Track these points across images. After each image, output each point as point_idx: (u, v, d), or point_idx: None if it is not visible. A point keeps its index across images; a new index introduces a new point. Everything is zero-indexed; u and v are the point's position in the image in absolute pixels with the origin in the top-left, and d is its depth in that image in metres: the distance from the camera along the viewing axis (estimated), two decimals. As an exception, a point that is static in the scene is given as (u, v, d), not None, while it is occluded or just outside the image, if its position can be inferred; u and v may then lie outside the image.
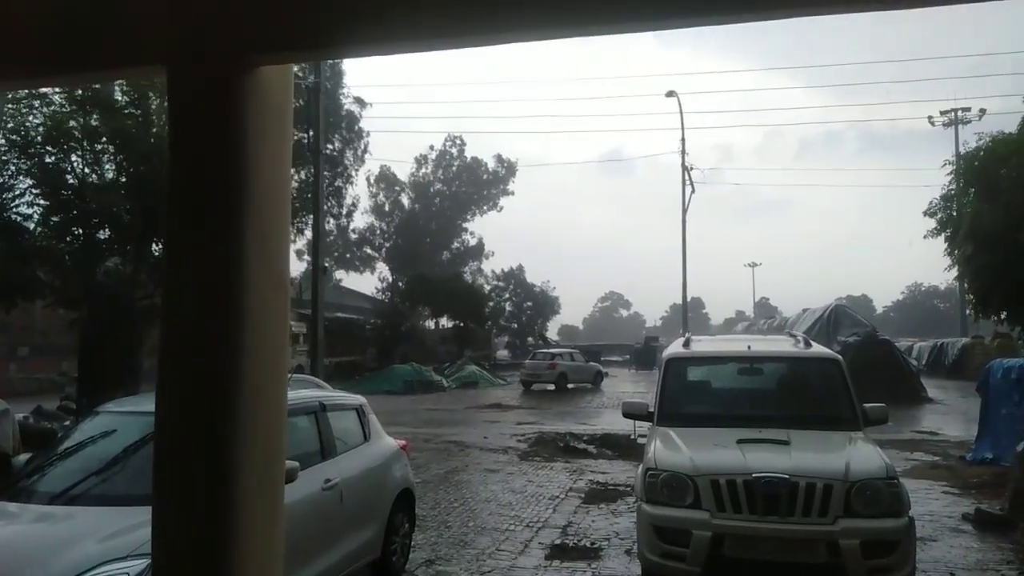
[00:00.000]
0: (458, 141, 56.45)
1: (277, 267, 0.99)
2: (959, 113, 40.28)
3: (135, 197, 12.92)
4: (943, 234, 12.49)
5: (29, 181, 13.47)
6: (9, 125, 12.99)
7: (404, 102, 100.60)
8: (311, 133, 18.49)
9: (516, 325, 53.12)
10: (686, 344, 7.70)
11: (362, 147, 41.70)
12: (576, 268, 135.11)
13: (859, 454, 5.76)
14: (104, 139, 13.22)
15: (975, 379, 14.56)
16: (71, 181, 13.50)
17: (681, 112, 35.92)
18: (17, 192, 13.55)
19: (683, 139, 35.59)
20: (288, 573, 4.60)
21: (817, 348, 7.51)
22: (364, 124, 41.02)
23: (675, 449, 6.04)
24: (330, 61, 25.82)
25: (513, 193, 56.75)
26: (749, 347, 7.61)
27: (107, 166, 13.79)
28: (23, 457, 6.05)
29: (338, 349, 32.90)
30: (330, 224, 38.02)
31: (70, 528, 4.14)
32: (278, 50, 0.93)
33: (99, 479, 4.61)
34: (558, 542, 7.65)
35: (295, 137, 18.69)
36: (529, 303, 53.10)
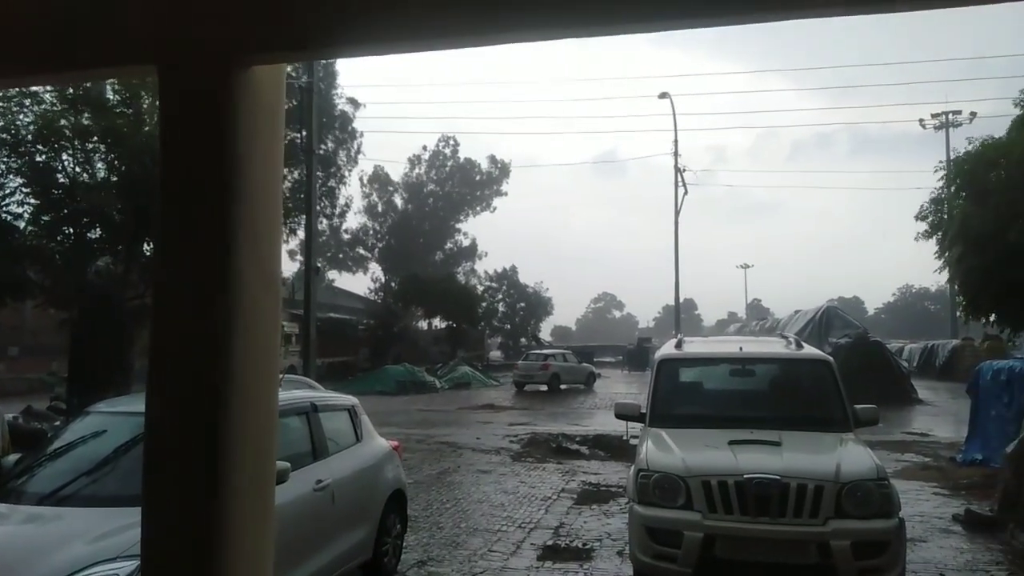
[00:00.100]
0: (451, 141, 56.51)
1: (269, 267, 0.99)
2: (950, 116, 40.49)
3: (126, 196, 12.87)
4: (934, 237, 12.56)
5: (20, 180, 13.40)
6: (-1, 123, 12.92)
7: (398, 102, 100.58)
8: (304, 133, 18.46)
9: (509, 326, 53.12)
10: (678, 345, 7.72)
11: (355, 147, 41.71)
12: (569, 269, 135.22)
13: (850, 455, 5.79)
14: (95, 138, 13.16)
15: (965, 381, 14.64)
16: (62, 180, 13.43)
17: (674, 113, 36.11)
18: (7, 191, 13.48)
19: (676, 140, 35.72)
20: (279, 574, 4.59)
21: (808, 349, 7.54)
22: (357, 124, 41.04)
23: (667, 450, 6.05)
24: (323, 61, 25.76)
25: (506, 194, 56.86)
26: (741, 348, 7.64)
27: (98, 165, 13.73)
28: (12, 457, 6.01)
29: (330, 349, 32.80)
30: (323, 224, 38.01)
31: (60, 529, 4.11)
32: (270, 50, 0.92)
33: (89, 480, 4.59)
34: (550, 543, 7.66)
35: (288, 137, 18.70)
36: (522, 304, 53.12)
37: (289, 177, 19.61)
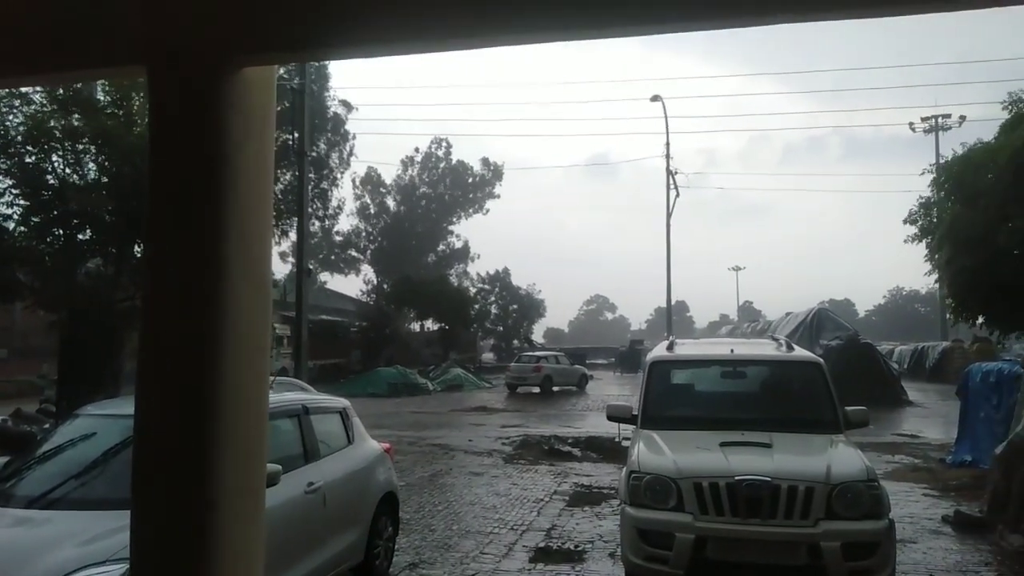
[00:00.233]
0: (444, 143, 56.50)
1: (259, 269, 0.99)
2: (939, 119, 40.76)
3: (117, 198, 12.79)
4: (923, 240, 12.64)
5: (9, 181, 13.30)
6: (-12, 124, 12.83)
7: (390, 104, 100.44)
8: (296, 135, 18.42)
9: (501, 328, 53.08)
10: (670, 347, 7.74)
11: (348, 149, 41.65)
12: (562, 271, 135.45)
13: (840, 457, 5.82)
14: (86, 139, 13.08)
15: (955, 382, 14.72)
16: (52, 181, 13.34)
17: (666, 116, 36.18)
18: (-3, 192, 13.39)
19: (668, 143, 35.86)
20: (270, 577, 4.58)
21: (799, 352, 7.57)
22: (350, 126, 40.98)
23: (658, 452, 6.07)
24: (315, 63, 25.73)
25: (499, 196, 56.87)
26: (732, 350, 7.66)
27: (89, 166, 13.64)
28: (1, 460, 5.97)
29: (322, 352, 32.71)
30: (315, 226, 37.90)
31: (49, 532, 4.09)
32: (261, 51, 0.92)
33: (78, 483, 4.57)
34: (542, 545, 7.66)
35: (280, 139, 18.65)
36: (515, 306, 53.09)
37: (281, 179, 19.57)
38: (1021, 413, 8.65)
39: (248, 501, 0.97)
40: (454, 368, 34.99)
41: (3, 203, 13.50)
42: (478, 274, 53.60)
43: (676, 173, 35.81)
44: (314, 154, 27.15)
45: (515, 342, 51.83)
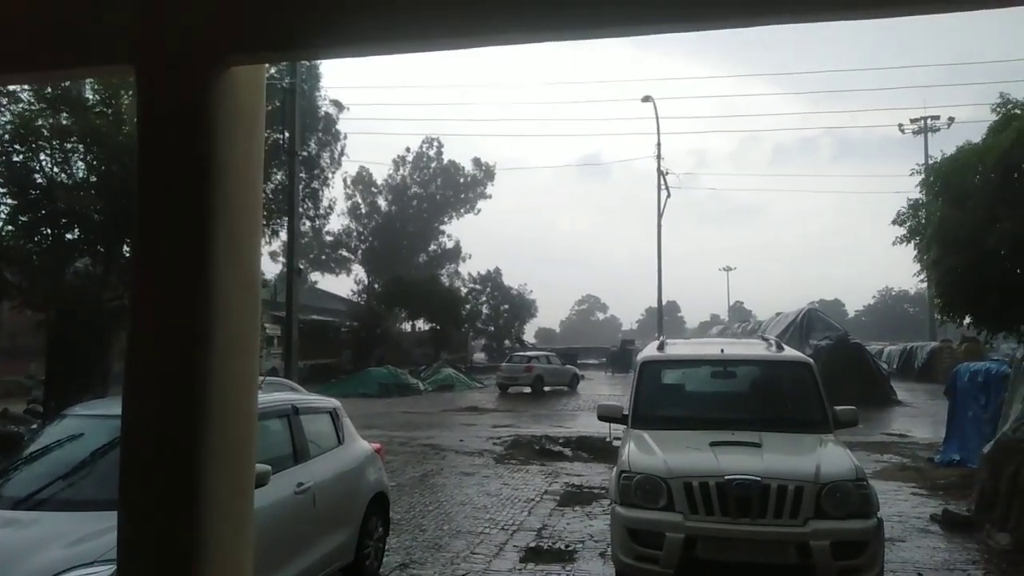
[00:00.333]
0: (435, 143, 56.44)
1: (248, 268, 0.99)
2: (928, 121, 41.03)
3: (106, 197, 12.72)
4: (912, 241, 12.71)
5: (-4, 180, 13.20)
6: (-25, 123, 12.73)
7: (381, 104, 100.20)
8: (287, 135, 18.36)
9: (493, 328, 53.07)
10: (660, 347, 7.75)
11: (339, 149, 41.53)
12: (553, 271, 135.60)
13: (829, 456, 5.84)
14: (74, 138, 13.00)
15: (943, 382, 14.84)
16: (40, 180, 13.25)
17: (657, 117, 36.27)
18: (-16, 191, 13.28)
19: (659, 144, 35.93)
20: (259, 578, 4.56)
21: (789, 352, 7.60)
22: (341, 126, 40.87)
23: (649, 452, 6.08)
24: (306, 63, 25.65)
25: (490, 196, 56.85)
26: (722, 350, 7.68)
27: (77, 165, 13.55)
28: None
29: (313, 352, 32.61)
30: (305, 226, 37.78)
31: (36, 533, 4.06)
32: (250, 50, 0.92)
33: (65, 483, 4.54)
34: (532, 545, 7.66)
35: (270, 139, 18.56)
36: (506, 306, 53.10)
37: (272, 179, 19.50)
38: (1009, 412, 8.71)
39: (237, 502, 0.96)
40: (445, 368, 34.96)
41: (-10, 202, 13.39)
42: (469, 274, 53.67)
43: (667, 174, 35.94)
44: (305, 154, 27.07)
45: (506, 342, 51.82)
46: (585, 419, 19.06)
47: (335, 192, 62.19)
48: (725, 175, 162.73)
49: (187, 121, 0.92)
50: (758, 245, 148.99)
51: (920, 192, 13.20)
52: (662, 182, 35.53)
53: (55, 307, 13.22)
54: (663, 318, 37.57)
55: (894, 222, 13.23)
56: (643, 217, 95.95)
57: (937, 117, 40.91)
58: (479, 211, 56.79)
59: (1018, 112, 11.01)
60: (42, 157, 13.32)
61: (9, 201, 13.31)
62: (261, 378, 6.52)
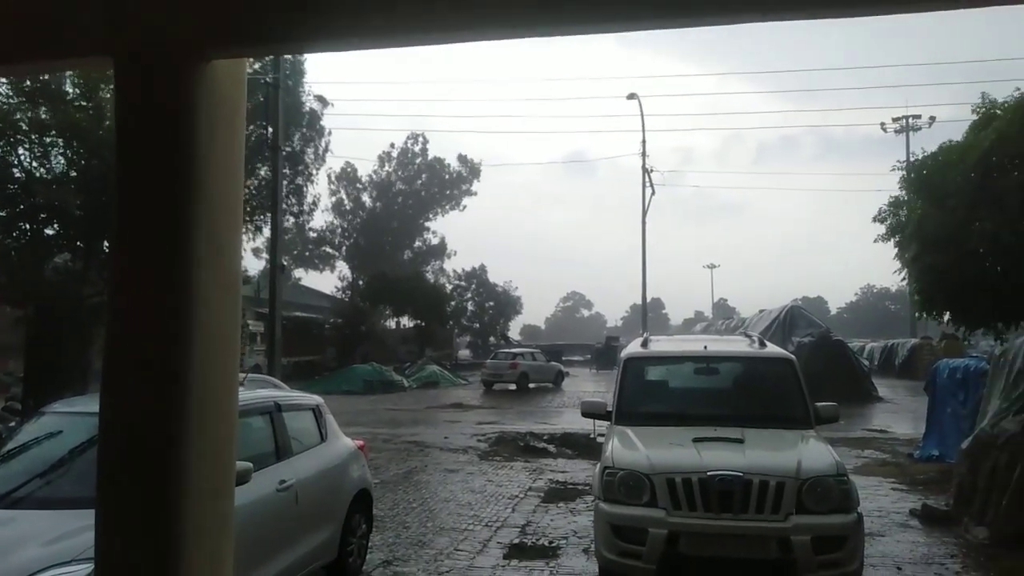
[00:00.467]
0: (420, 139, 56.28)
1: (228, 264, 0.98)
2: (910, 120, 41.46)
3: (85, 192, 12.59)
4: (892, 239, 12.83)
5: (-27, 174, 13.02)
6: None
7: (366, 99, 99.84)
8: (270, 130, 18.24)
9: (478, 325, 53.06)
10: (644, 344, 7.78)
11: (323, 145, 41.27)
12: (538, 268, 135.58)
13: (811, 452, 5.89)
14: (53, 132, 12.85)
15: (923, 379, 15.01)
16: (18, 175, 13.09)
17: (642, 114, 36.34)
18: (-40, 186, 13.09)
19: (644, 141, 35.99)
20: (241, 576, 4.53)
21: (771, 348, 7.66)
22: (325, 122, 40.60)
23: (632, 448, 6.10)
24: (290, 58, 25.47)
25: (476, 193, 56.78)
26: (705, 347, 7.73)
27: (56, 160, 13.40)
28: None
29: (296, 349, 32.47)
30: (289, 222, 37.53)
31: (13, 532, 4.01)
32: (231, 44, 0.91)
33: (44, 481, 4.49)
34: (516, 541, 7.67)
35: (254, 134, 18.44)
36: (491, 303, 53.09)
37: (256, 175, 19.37)
38: (987, 408, 8.83)
39: (217, 500, 0.96)
40: (430, 365, 34.91)
41: (-33, 197, 13.21)
42: (454, 271, 53.61)
43: (652, 171, 36.00)
44: (289, 149, 26.88)
45: (491, 339, 51.82)
46: (569, 416, 19.11)
47: (319, 188, 61.84)
48: (709, 173, 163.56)
49: (166, 115, 0.90)
50: (742, 242, 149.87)
51: (901, 189, 13.33)
52: (647, 179, 35.64)
53: (34, 303, 13.08)
54: (647, 315, 37.71)
55: (875, 219, 13.35)
56: (628, 214, 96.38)
57: (919, 116, 41.37)
58: (464, 208, 56.79)
59: (998, 112, 11.13)
60: (20, 151, 13.16)
61: (-13, 196, 13.14)
62: (243, 375, 6.48)
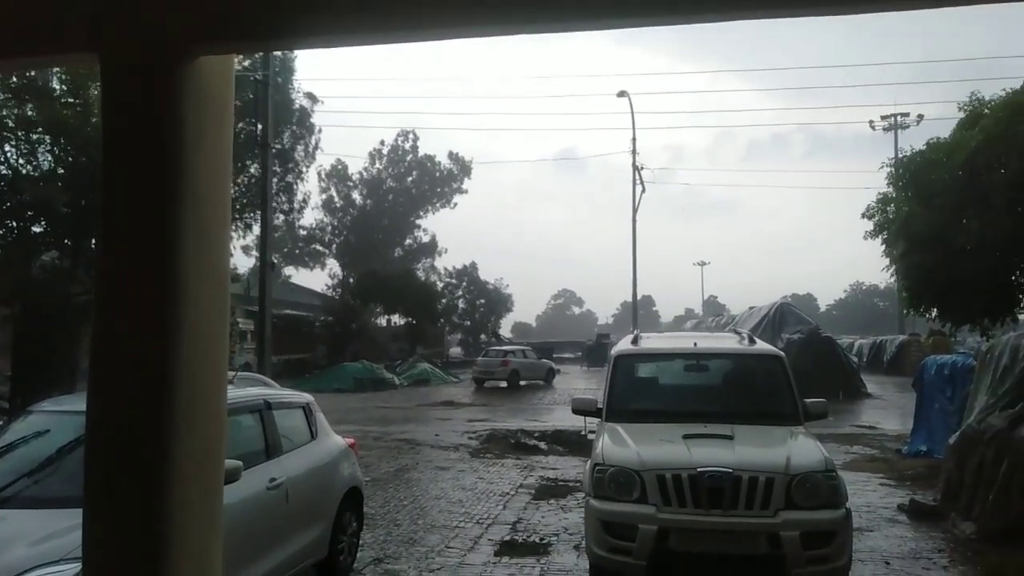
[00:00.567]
0: (411, 136, 56.08)
1: (216, 262, 0.97)
2: (899, 118, 41.70)
3: (73, 189, 12.51)
4: (880, 235, 12.91)
5: (-41, 171, 12.91)
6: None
7: (356, 96, 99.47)
8: (260, 128, 18.16)
9: (469, 322, 52.98)
10: (634, 341, 7.79)
11: (313, 142, 41.10)
12: (529, 266, 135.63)
13: (800, 448, 5.92)
14: (40, 129, 12.75)
15: (911, 375, 15.12)
16: (4, 172, 12.99)
17: (632, 112, 36.42)
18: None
19: (634, 139, 36.07)
20: (230, 574, 4.51)
21: (761, 345, 7.69)
22: (316, 119, 40.43)
23: (622, 444, 6.12)
24: (280, 55, 25.34)
25: (467, 191, 56.66)
26: (695, 344, 7.75)
27: (43, 157, 13.30)
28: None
29: (287, 347, 32.36)
30: (279, 220, 37.37)
31: (1, 531, 3.98)
32: (218, 40, 0.90)
33: (31, 480, 4.46)
34: (507, 538, 7.68)
35: (243, 131, 18.34)
36: (482, 300, 53.02)
37: (245, 172, 19.29)
38: (973, 404, 8.90)
39: (205, 499, 0.95)
40: (421, 363, 34.87)
41: (-47, 194, 13.10)
42: (445, 268, 53.50)
43: (643, 169, 36.08)
44: (278, 147, 26.76)
45: (482, 336, 51.78)
46: (560, 413, 19.14)
47: (310, 186, 61.60)
48: (700, 170, 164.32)
49: (153, 111, 0.90)
50: (732, 240, 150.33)
51: (889, 187, 13.41)
52: (637, 177, 35.72)
53: (21, 301, 12.98)
54: (638, 312, 37.81)
55: (864, 216, 13.43)
56: (619, 212, 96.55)
57: (907, 114, 41.64)
58: (455, 205, 56.66)
59: (986, 111, 11.21)
60: (7, 148, 13.06)
61: (-28, 193, 13.03)
62: (233, 373, 6.45)
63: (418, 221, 56.17)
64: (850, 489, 6.16)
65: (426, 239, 56.34)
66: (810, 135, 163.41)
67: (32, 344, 12.56)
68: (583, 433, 13.32)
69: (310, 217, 51.14)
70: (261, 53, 17.20)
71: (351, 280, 48.84)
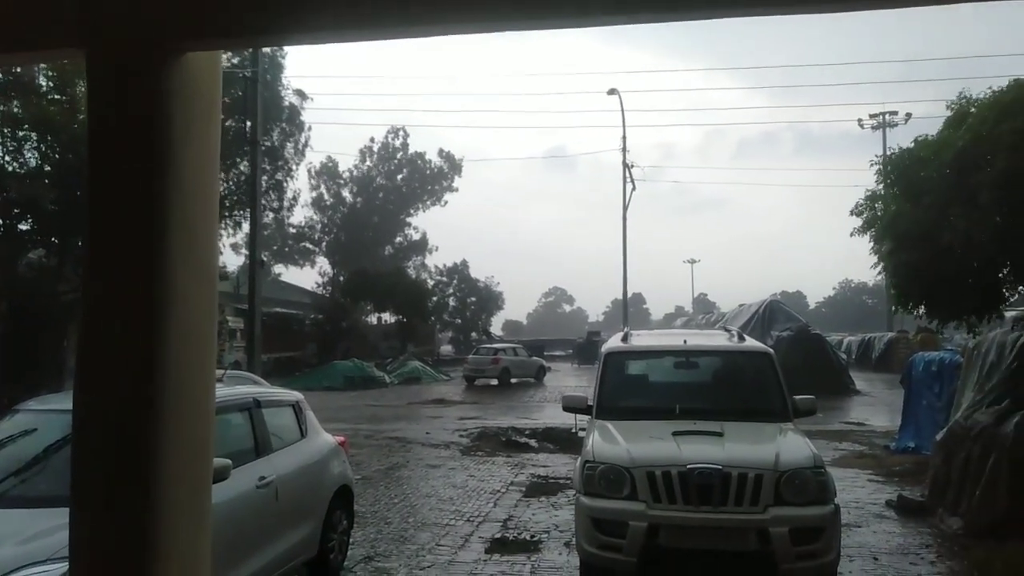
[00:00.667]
0: (401, 133, 55.95)
1: (204, 259, 0.97)
2: (887, 116, 41.93)
3: (60, 187, 12.41)
4: (868, 232, 12.97)
5: (-56, 169, 12.80)
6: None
7: (346, 94, 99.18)
8: (249, 125, 18.07)
9: (460, 320, 52.92)
10: (625, 338, 7.81)
11: (303, 140, 40.95)
12: (520, 264, 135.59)
13: (789, 445, 5.95)
14: (26, 125, 12.65)
15: (900, 372, 15.22)
16: (-10, 169, 12.88)
17: (623, 110, 36.53)
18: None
19: (624, 136, 36.16)
20: (220, 574, 4.50)
21: (750, 342, 7.72)
22: (305, 117, 40.27)
23: (613, 442, 6.13)
24: (268, 52, 25.22)
25: (457, 189, 56.60)
26: (685, 341, 7.77)
27: (29, 154, 13.20)
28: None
29: (277, 345, 32.24)
30: (269, 218, 37.22)
31: (-13, 531, 3.95)
32: (205, 35, 0.90)
33: (18, 480, 4.43)
34: (498, 536, 7.69)
35: (231, 128, 18.24)
36: (473, 298, 52.95)
37: (235, 170, 19.20)
38: (961, 401, 8.97)
39: (193, 498, 0.95)
40: (412, 361, 34.80)
41: (-62, 192, 12.98)
42: (436, 266, 53.40)
43: (633, 167, 36.13)
44: (268, 144, 26.63)
45: (473, 334, 51.75)
46: (551, 410, 19.15)
47: (300, 183, 61.34)
48: (690, 168, 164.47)
49: (140, 108, 0.89)
50: (722, 238, 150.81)
51: (878, 184, 13.48)
52: (628, 175, 35.76)
53: (8, 299, 12.87)
54: (628, 310, 37.90)
55: (852, 212, 13.49)
56: (609, 210, 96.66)
57: (895, 113, 41.85)
58: (446, 203, 56.57)
59: (972, 110, 11.28)
60: (-8, 145, 12.94)
61: (-42, 191, 12.92)
62: (222, 372, 6.42)
63: (409, 219, 56.12)
64: (839, 485, 6.20)
65: (417, 237, 56.29)
66: (799, 133, 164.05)
67: (19, 342, 12.47)
68: (574, 430, 13.34)
69: (300, 215, 50.98)
70: (249, 50, 17.10)
71: (341, 278, 48.69)
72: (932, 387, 12.02)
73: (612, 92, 35.48)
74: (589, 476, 5.79)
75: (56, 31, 0.92)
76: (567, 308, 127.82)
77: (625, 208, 35.93)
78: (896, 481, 10.22)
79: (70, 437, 0.93)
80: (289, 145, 38.94)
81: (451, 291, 51.93)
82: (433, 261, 54.87)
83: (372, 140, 55.90)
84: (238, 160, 19.02)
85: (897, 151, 12.85)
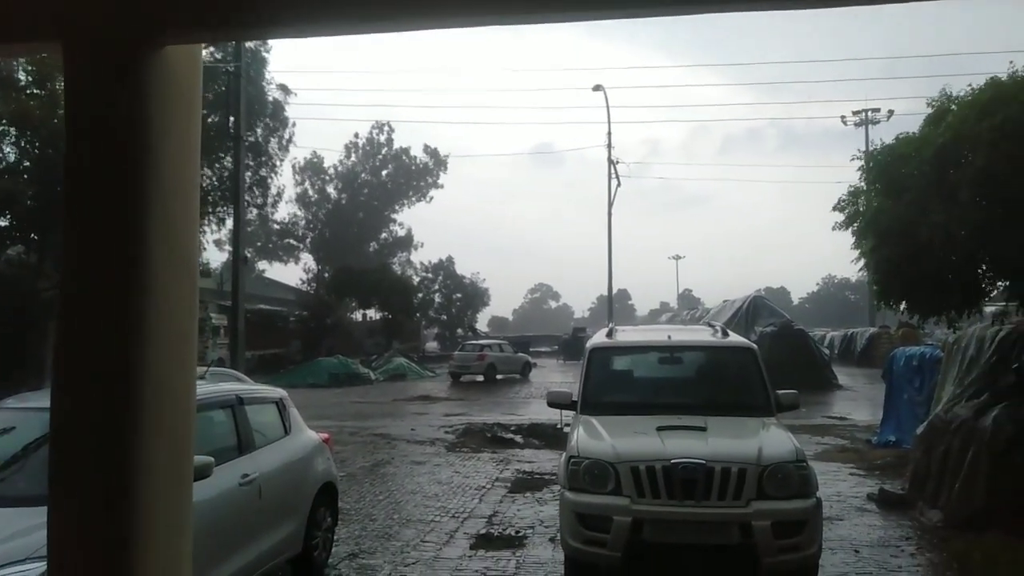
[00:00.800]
0: (386, 128, 55.73)
1: (184, 254, 0.96)
2: (869, 113, 42.32)
3: (39, 182, 12.26)
4: (850, 228, 13.07)
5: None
6: None
7: (330, 89, 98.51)
8: (232, 120, 17.94)
9: (445, 317, 52.87)
10: (609, 334, 7.84)
11: (287, 136, 40.68)
12: (506, 260, 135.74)
13: (771, 439, 6.00)
14: (4, 120, 12.48)
15: (881, 366, 15.39)
16: (-32, 164, 12.70)
17: (608, 106, 36.51)
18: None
19: (609, 133, 36.21)
20: (203, 572, 4.47)
21: (733, 337, 7.77)
22: (289, 112, 40.01)
23: (597, 437, 6.15)
24: (250, 46, 25.01)
25: (443, 186, 56.47)
26: (669, 337, 7.81)
27: (8, 149, 13.03)
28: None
29: (261, 342, 32.05)
30: (253, 214, 36.97)
31: (-35, 531, 3.91)
32: (185, 28, 0.89)
33: (-3, 479, 4.38)
34: (483, 532, 7.70)
35: (215, 124, 18.08)
36: (459, 295, 52.92)
37: (218, 165, 19.04)
38: (941, 395, 9.08)
39: (174, 496, 0.94)
40: (397, 357, 34.74)
41: (-86, 187, 12.78)
42: (421, 263, 53.30)
43: (618, 163, 36.22)
44: (251, 140, 26.43)
45: (459, 331, 51.71)
46: (537, 406, 19.18)
47: (284, 179, 60.98)
48: (675, 164, 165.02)
49: (118, 101, 0.88)
50: (707, 234, 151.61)
51: (861, 180, 13.58)
52: (613, 171, 35.85)
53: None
54: (614, 306, 38.03)
55: (835, 208, 13.58)
56: (595, 206, 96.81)
57: (878, 110, 42.30)
58: (431, 199, 56.44)
59: (952, 107, 11.39)
60: (-30, 140, 12.76)
61: (-66, 186, 12.73)
62: (204, 369, 6.38)
63: (394, 215, 55.95)
64: (821, 479, 6.26)
65: (402, 233, 56.15)
66: (783, 130, 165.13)
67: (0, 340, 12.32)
68: (559, 426, 13.37)
69: (284, 211, 50.71)
70: (231, 44, 16.95)
71: (326, 274, 48.50)
72: (913, 381, 12.16)
73: (598, 88, 35.54)
74: (574, 471, 5.81)
75: (32, 23, 0.91)
76: (553, 304, 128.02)
77: (610, 204, 36.05)
78: (877, 474, 10.33)
79: (48, 435, 0.92)
80: (273, 141, 38.69)
81: (436, 287, 51.86)
82: (418, 257, 54.84)
83: (357, 136, 55.76)
84: (222, 156, 18.88)
85: (879, 147, 12.96)
